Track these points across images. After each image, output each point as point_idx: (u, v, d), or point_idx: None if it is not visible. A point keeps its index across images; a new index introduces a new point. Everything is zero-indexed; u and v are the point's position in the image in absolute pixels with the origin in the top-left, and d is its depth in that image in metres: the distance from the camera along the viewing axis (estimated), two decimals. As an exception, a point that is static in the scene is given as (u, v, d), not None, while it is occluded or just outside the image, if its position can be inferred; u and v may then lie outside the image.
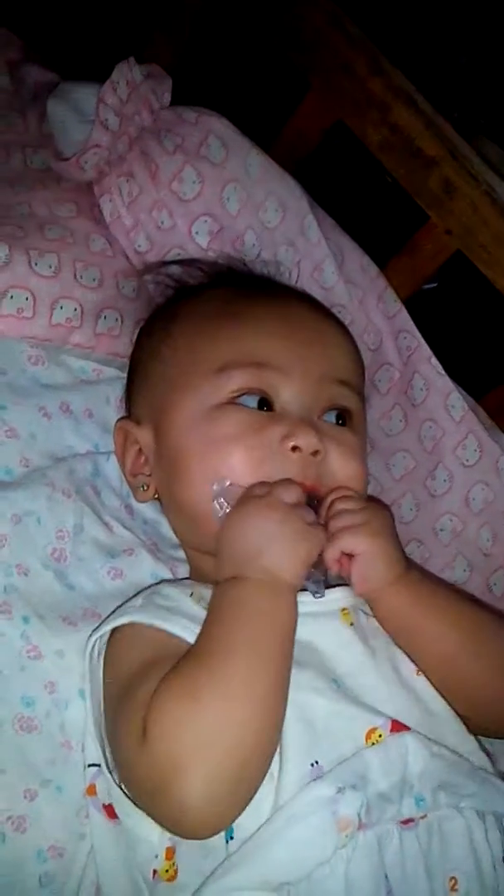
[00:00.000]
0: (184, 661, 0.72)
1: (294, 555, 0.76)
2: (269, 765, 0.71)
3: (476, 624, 0.84)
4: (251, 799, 0.69)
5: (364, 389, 0.99)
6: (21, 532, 0.87)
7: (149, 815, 0.73)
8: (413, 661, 0.82)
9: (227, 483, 0.82)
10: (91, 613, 0.88)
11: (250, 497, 0.80)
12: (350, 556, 0.81)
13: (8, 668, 0.82)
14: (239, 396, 0.87)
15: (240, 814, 0.69)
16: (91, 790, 0.80)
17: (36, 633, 0.84)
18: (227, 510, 0.81)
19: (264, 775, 0.70)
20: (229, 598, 0.75)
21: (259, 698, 0.70)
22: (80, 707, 0.83)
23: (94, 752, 0.80)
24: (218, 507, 0.82)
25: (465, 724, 0.81)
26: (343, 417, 0.91)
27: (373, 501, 0.92)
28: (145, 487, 0.95)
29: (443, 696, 0.81)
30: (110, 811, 0.78)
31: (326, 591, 0.82)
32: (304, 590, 0.79)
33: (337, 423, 0.90)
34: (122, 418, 0.99)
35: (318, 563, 0.80)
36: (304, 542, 0.77)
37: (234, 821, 0.69)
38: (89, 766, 0.80)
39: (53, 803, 0.79)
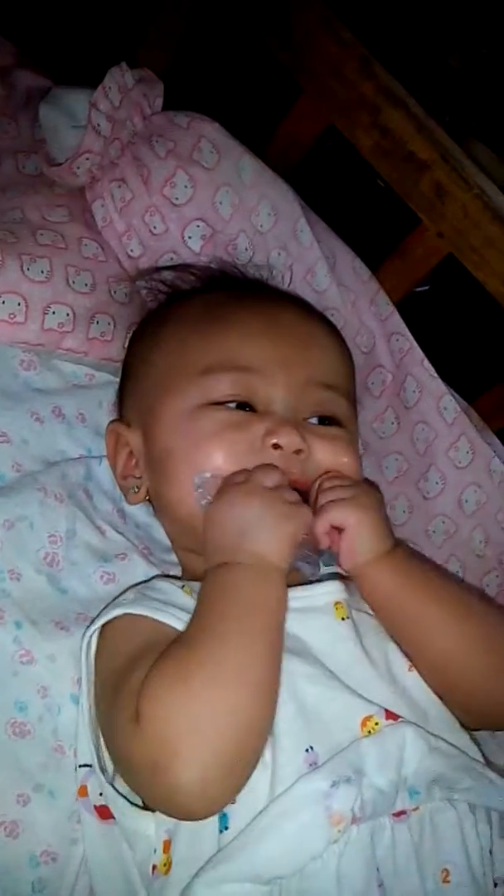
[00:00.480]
0: (174, 646, 0.72)
1: (279, 535, 0.76)
2: (264, 748, 0.71)
3: (464, 603, 0.84)
4: (246, 782, 0.69)
5: (355, 393, 0.99)
6: (13, 537, 0.88)
7: (145, 799, 0.74)
8: (405, 652, 0.82)
9: (208, 475, 0.83)
10: (84, 618, 0.88)
11: (230, 484, 0.80)
12: (339, 530, 0.81)
13: (0, 673, 0.82)
14: (223, 400, 0.87)
15: (234, 796, 0.69)
16: (83, 791, 0.80)
17: (28, 638, 0.84)
18: (209, 501, 0.81)
19: (259, 758, 0.70)
20: (219, 584, 0.75)
21: (251, 683, 0.70)
22: (73, 711, 0.83)
23: (87, 753, 0.80)
24: (199, 498, 0.82)
25: (458, 720, 0.81)
26: (329, 422, 0.90)
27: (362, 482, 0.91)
28: (136, 490, 0.95)
29: (437, 693, 0.81)
30: (102, 812, 0.78)
31: (318, 586, 0.83)
32: (301, 583, 0.80)
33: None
34: (113, 421, 0.99)
35: (309, 542, 0.80)
36: (288, 522, 0.77)
37: (228, 803, 0.69)
38: (81, 766, 0.80)
39: (46, 808, 0.79)
